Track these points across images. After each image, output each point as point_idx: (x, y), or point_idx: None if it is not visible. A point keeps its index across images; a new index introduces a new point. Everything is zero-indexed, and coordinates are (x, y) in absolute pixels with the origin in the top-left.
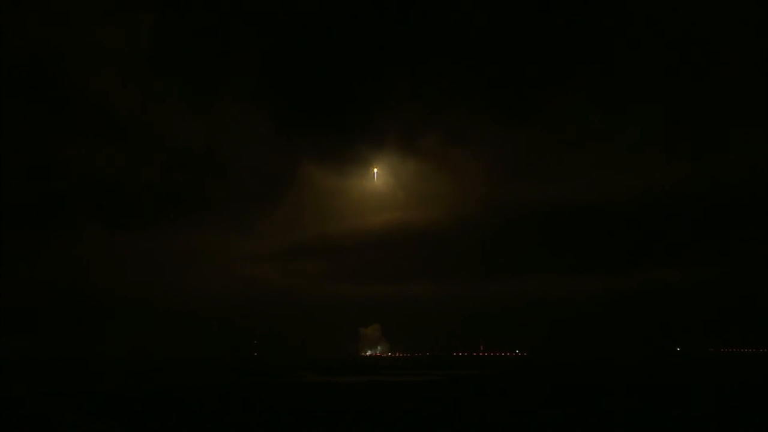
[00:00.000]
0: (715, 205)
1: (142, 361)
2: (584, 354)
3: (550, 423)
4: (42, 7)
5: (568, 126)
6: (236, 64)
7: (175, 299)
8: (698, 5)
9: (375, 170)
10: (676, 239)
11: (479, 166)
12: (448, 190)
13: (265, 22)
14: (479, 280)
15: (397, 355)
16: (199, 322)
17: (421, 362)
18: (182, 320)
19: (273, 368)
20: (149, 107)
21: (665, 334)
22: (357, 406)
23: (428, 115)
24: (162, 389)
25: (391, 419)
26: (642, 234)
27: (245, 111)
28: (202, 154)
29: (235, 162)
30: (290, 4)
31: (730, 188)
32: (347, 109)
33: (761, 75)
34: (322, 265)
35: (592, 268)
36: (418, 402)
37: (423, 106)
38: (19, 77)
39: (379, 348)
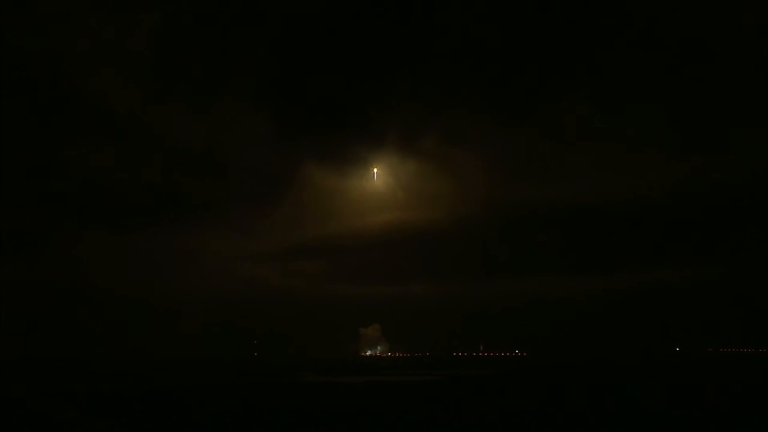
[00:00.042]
0: (715, 205)
1: (142, 361)
2: (584, 354)
3: (549, 423)
4: (42, 7)
5: (568, 126)
6: (236, 64)
7: (175, 299)
8: (698, 5)
9: (375, 170)
10: (676, 239)
11: (479, 166)
12: (448, 190)
13: (265, 22)
14: (479, 280)
15: (397, 355)
16: (199, 322)
17: (421, 362)
18: (182, 320)
19: (273, 368)
20: (149, 107)
21: (665, 334)
22: (357, 406)
23: (428, 115)
24: (162, 389)
25: (391, 419)
26: (642, 234)
27: (245, 111)
28: (202, 155)
29: (235, 162)
30: (290, 4)
31: (730, 188)
32: (347, 109)
33: (761, 75)
34: (322, 265)
35: (592, 268)
36: (418, 402)
37: (423, 106)
38: (19, 77)
39: (379, 348)
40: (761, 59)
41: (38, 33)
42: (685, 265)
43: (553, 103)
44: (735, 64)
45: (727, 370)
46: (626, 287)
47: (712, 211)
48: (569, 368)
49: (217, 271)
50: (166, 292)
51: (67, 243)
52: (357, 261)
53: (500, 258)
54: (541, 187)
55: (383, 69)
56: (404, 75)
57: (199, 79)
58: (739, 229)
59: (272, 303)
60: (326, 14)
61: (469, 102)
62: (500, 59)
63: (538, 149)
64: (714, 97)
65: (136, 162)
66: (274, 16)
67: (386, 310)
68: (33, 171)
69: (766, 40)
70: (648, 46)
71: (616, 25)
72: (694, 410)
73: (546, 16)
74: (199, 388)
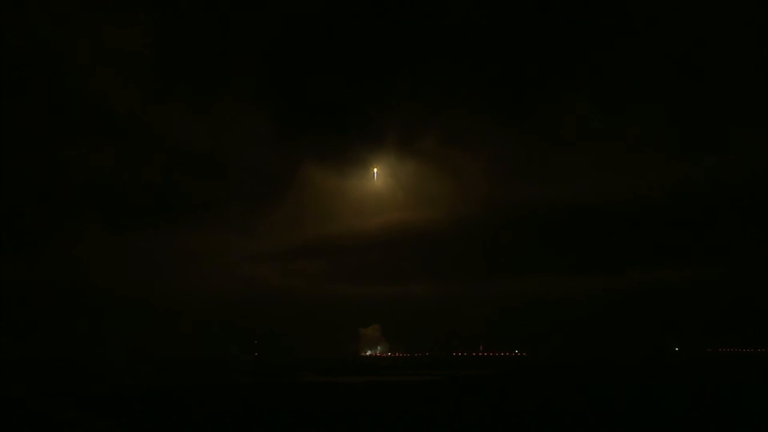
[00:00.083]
0: (715, 205)
1: (142, 361)
2: (584, 354)
3: (549, 423)
4: (42, 7)
5: (568, 126)
6: (236, 64)
7: (175, 299)
8: (698, 5)
9: (375, 170)
10: (676, 239)
11: (479, 166)
12: (448, 190)
13: (264, 23)
14: (479, 280)
15: (397, 355)
16: (199, 322)
17: (421, 362)
18: (182, 320)
19: (273, 368)
20: (149, 107)
21: (665, 334)
22: (357, 406)
23: (428, 115)
24: (162, 389)
25: (391, 419)
26: (642, 234)
27: (245, 111)
28: (203, 155)
29: (235, 162)
30: (290, 4)
31: (730, 188)
32: (347, 109)
33: (761, 75)
34: (322, 265)
35: (592, 268)
36: (418, 402)
37: (423, 106)
38: (19, 77)
39: (379, 348)
40: (761, 59)
41: (38, 33)
42: (685, 265)
43: (553, 103)
44: (735, 64)
45: (726, 370)
46: (626, 287)
47: (712, 211)
48: (569, 368)
49: (217, 271)
50: (166, 292)
51: (67, 243)
52: (357, 261)
53: (500, 258)
54: (541, 187)
55: (383, 69)
56: (404, 75)
57: (199, 79)
58: (739, 229)
59: (272, 303)
60: (326, 14)
61: (469, 102)
62: (500, 59)
63: (538, 149)
64: (714, 97)
65: (136, 162)
66: (274, 17)
67: (386, 310)
68: (33, 171)
69: (766, 40)
70: (648, 46)
71: (616, 25)
72: (694, 410)
73: (546, 16)
74: (199, 388)
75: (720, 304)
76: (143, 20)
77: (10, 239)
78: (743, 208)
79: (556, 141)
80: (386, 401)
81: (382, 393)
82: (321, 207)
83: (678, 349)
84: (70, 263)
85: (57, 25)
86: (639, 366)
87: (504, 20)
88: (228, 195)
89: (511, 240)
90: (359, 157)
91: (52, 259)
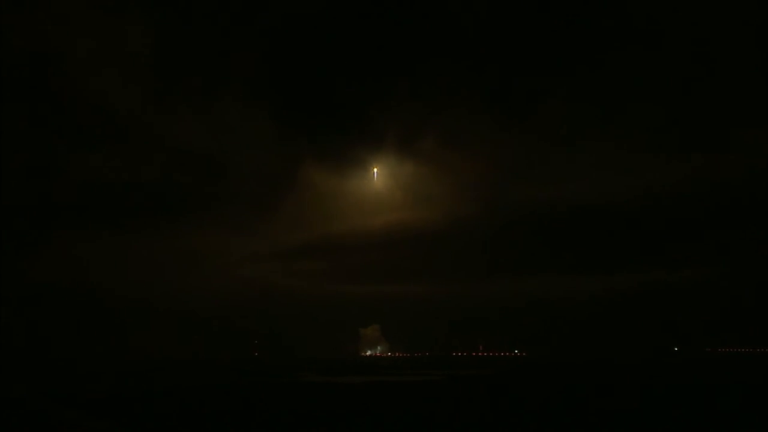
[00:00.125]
0: (715, 205)
1: (142, 361)
2: (584, 354)
3: (549, 423)
4: (42, 7)
5: (567, 126)
6: (236, 64)
7: (175, 299)
8: (698, 5)
9: (375, 171)
10: (676, 239)
11: (479, 167)
12: (447, 190)
13: (264, 22)
14: (479, 280)
15: (397, 355)
16: (199, 322)
17: (421, 362)
18: (182, 320)
19: (273, 368)
20: (149, 107)
21: (664, 334)
22: (357, 406)
23: (428, 115)
24: (162, 389)
25: (391, 419)
26: (642, 234)
27: (245, 111)
28: (203, 155)
29: (235, 162)
30: (290, 4)
31: (730, 188)
32: (347, 109)
33: (761, 75)
34: (322, 265)
35: (592, 268)
36: (417, 402)
37: (422, 107)
38: (19, 77)
39: (379, 348)
40: (761, 59)
41: (38, 33)
42: (685, 265)
43: (553, 103)
44: (735, 63)
45: (726, 370)
46: (626, 287)
47: (712, 211)
48: (569, 368)
49: (218, 271)
50: (166, 292)
51: (67, 243)
52: (357, 261)
53: (500, 258)
54: (541, 187)
55: (383, 69)
56: (404, 75)
57: (199, 79)
58: (739, 229)
59: (272, 303)
60: (326, 14)
61: (469, 102)
62: (500, 59)
63: (538, 149)
64: (714, 97)
65: (136, 162)
66: (274, 17)
67: (386, 310)
68: (33, 171)
69: (766, 40)
70: (648, 46)
71: (616, 25)
72: (694, 410)
73: (546, 16)
74: (199, 388)
75: (720, 304)
76: (143, 20)
77: (10, 239)
78: (743, 208)
79: (556, 141)
80: (386, 401)
81: (382, 393)
82: (321, 207)
83: (678, 349)
84: (70, 263)
85: (57, 25)
86: (639, 366)
87: (504, 20)
88: (228, 195)
89: (511, 240)
90: (359, 158)
91: (52, 259)
